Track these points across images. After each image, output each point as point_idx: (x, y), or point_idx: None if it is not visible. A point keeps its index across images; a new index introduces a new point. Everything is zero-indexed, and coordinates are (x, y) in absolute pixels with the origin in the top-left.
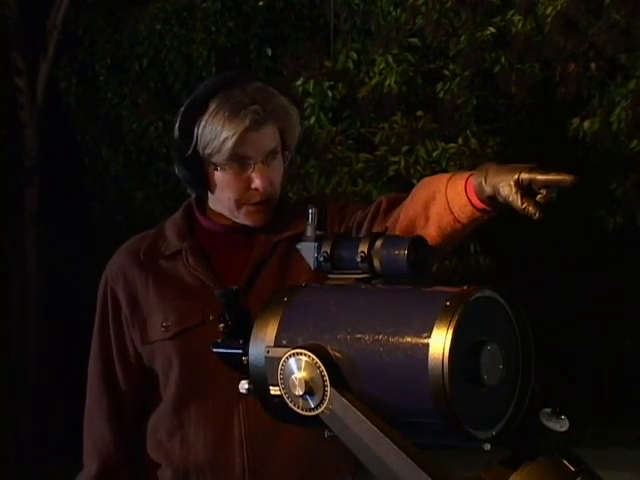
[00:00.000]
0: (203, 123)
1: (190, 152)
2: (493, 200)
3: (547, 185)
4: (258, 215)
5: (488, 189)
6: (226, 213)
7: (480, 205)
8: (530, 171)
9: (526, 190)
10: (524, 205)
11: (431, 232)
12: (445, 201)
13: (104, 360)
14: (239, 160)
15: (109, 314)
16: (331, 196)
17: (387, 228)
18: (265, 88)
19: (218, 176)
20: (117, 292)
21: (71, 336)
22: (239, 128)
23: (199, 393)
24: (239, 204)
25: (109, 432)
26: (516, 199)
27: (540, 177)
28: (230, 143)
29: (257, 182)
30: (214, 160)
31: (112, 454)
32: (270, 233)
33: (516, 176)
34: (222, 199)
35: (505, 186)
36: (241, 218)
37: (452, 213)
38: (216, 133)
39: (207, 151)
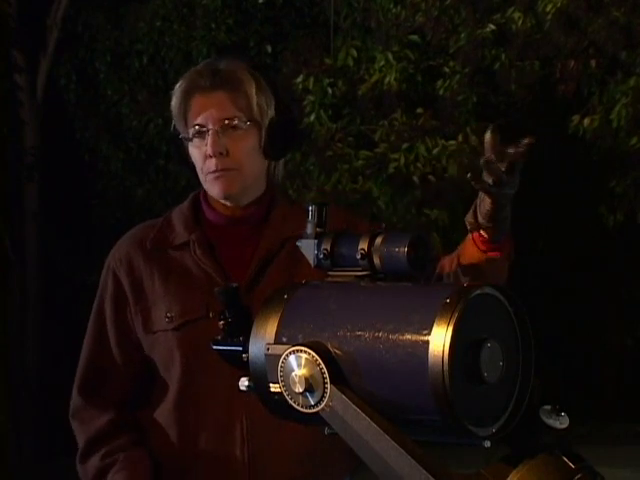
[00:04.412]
0: (171, 102)
1: (173, 131)
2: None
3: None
4: (217, 184)
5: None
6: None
7: (478, 239)
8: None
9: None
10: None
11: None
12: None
13: (98, 341)
14: (198, 131)
15: (109, 298)
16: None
17: (386, 225)
18: (220, 59)
19: (190, 151)
20: (120, 277)
21: (71, 335)
22: (185, 91)
23: (201, 386)
24: (203, 176)
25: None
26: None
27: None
28: (182, 109)
29: (208, 148)
30: (183, 136)
31: (123, 408)
32: (279, 228)
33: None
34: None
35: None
36: (209, 191)
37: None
38: (175, 105)
39: (178, 128)
